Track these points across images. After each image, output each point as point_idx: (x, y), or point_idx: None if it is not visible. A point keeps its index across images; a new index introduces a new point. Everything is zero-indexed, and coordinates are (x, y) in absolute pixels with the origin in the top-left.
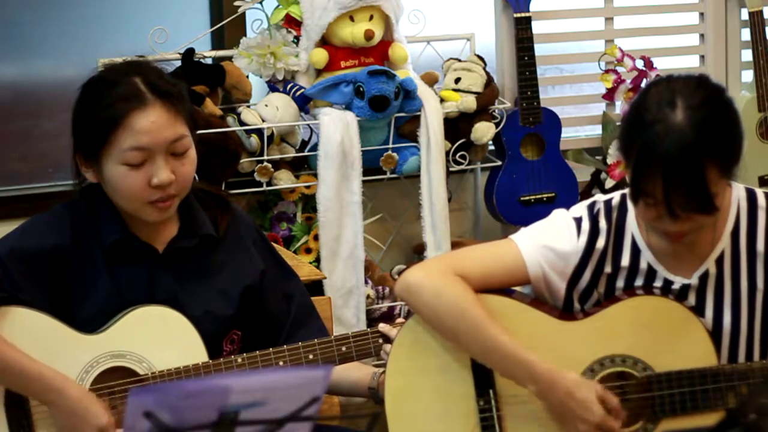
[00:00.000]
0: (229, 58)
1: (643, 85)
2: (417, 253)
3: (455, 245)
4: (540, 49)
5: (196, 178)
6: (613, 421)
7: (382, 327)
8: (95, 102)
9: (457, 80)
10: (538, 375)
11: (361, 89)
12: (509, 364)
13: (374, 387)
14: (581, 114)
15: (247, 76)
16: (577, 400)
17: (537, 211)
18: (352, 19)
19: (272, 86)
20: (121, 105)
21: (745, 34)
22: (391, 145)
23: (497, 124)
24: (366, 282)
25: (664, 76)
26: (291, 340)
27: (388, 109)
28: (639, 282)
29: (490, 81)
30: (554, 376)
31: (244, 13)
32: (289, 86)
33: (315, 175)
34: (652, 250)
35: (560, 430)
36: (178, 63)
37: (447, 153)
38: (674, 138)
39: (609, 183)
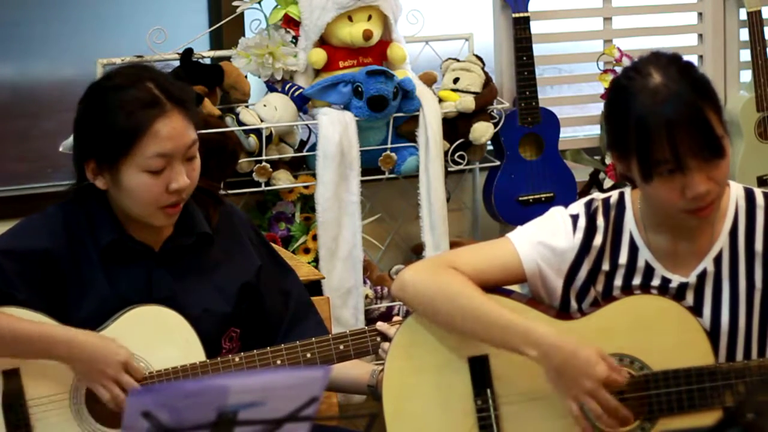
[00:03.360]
0: (228, 58)
1: None
2: (415, 253)
3: (454, 245)
4: (538, 49)
5: None
6: (618, 375)
7: (380, 325)
8: (112, 109)
9: (456, 80)
10: (538, 339)
11: (360, 89)
12: (508, 333)
13: (373, 385)
14: (580, 114)
15: (246, 76)
16: (581, 359)
17: (535, 211)
18: (350, 19)
19: (271, 86)
20: (145, 113)
21: (744, 34)
22: (389, 145)
23: (496, 124)
24: (364, 282)
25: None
26: (289, 336)
27: (386, 109)
28: (637, 280)
29: (488, 81)
30: (556, 339)
31: (242, 13)
32: (287, 86)
33: (313, 175)
34: (651, 248)
35: (559, 423)
36: (177, 63)
37: (445, 153)
38: (665, 95)
39: (607, 183)
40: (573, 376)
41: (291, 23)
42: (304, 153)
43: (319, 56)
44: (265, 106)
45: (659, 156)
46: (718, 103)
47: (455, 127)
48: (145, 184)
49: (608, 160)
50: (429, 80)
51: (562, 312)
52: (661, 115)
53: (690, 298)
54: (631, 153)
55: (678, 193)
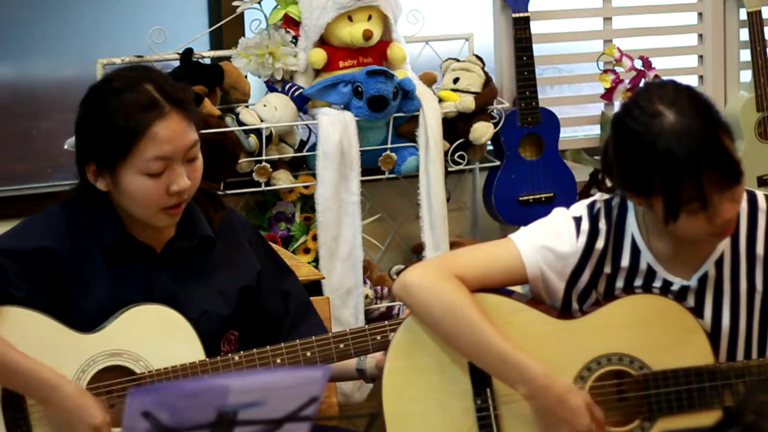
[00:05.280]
0: (228, 58)
1: (641, 85)
2: (415, 253)
3: (454, 245)
4: (538, 49)
5: None
6: (597, 430)
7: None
8: (110, 112)
9: (456, 80)
10: (530, 378)
11: (360, 89)
12: (502, 365)
13: (362, 367)
14: (580, 114)
15: (246, 76)
16: (567, 407)
17: (536, 211)
18: (350, 19)
19: (271, 86)
20: (143, 115)
21: (744, 34)
22: (389, 145)
23: (496, 124)
24: (364, 282)
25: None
26: (290, 337)
27: (386, 109)
28: (638, 282)
29: (488, 81)
30: (547, 382)
31: (242, 13)
32: (287, 86)
33: (313, 175)
34: (652, 251)
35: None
36: (177, 63)
37: (445, 153)
38: (683, 134)
39: (607, 182)
40: (556, 421)
41: (291, 23)
42: (304, 153)
43: (319, 56)
44: (265, 106)
45: (688, 195)
46: (728, 125)
47: (455, 127)
48: (145, 187)
49: None
50: (429, 80)
51: (563, 312)
52: (687, 155)
53: (691, 301)
54: (657, 195)
55: (705, 223)
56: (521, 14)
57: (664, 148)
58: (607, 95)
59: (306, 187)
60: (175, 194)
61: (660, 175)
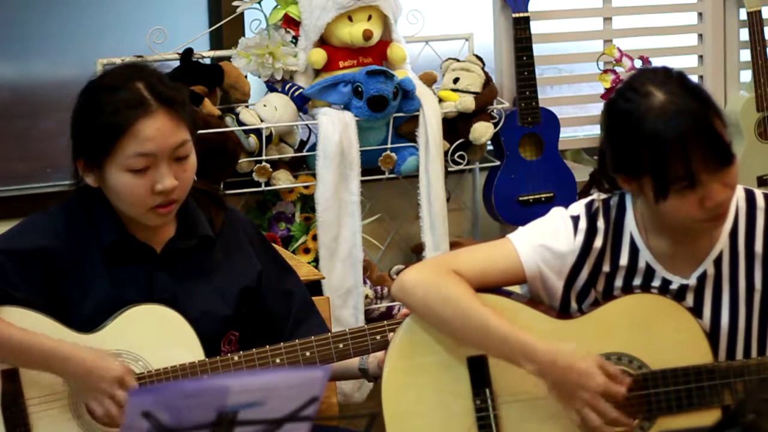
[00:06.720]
0: (228, 58)
1: None
2: (415, 253)
3: (454, 245)
4: (538, 49)
5: (195, 178)
6: (616, 385)
7: None
8: (99, 108)
9: (456, 80)
10: (535, 354)
11: (360, 89)
12: (506, 346)
13: (364, 367)
14: (580, 114)
15: (246, 76)
16: (578, 372)
17: (535, 211)
18: (350, 19)
19: (271, 86)
20: (127, 112)
21: (744, 34)
22: (389, 145)
23: (496, 124)
24: (364, 282)
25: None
26: (293, 337)
27: (386, 109)
28: (637, 281)
29: (488, 81)
30: (553, 354)
31: (242, 13)
32: (287, 86)
33: (313, 175)
34: (651, 249)
35: (557, 423)
36: (177, 63)
37: (445, 153)
38: (672, 112)
39: (604, 183)
40: (571, 390)
41: (291, 23)
42: (304, 153)
43: (319, 56)
44: (265, 106)
45: (676, 173)
46: (719, 109)
47: (455, 127)
48: (129, 184)
49: None
50: (429, 80)
51: (562, 312)
52: (675, 132)
53: (690, 300)
54: (645, 174)
55: (696, 206)
56: (521, 14)
57: (652, 125)
58: (607, 95)
59: (306, 187)
60: (161, 193)
61: (648, 152)
